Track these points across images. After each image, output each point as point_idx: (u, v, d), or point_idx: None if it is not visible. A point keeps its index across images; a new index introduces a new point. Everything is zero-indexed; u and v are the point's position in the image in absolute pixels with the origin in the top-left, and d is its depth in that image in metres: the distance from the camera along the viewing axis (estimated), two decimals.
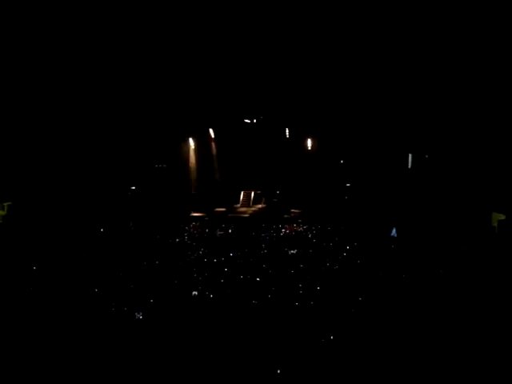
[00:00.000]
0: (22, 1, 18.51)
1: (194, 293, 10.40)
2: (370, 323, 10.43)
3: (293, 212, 21.29)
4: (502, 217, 16.13)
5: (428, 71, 19.91)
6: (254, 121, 22.49)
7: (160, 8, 19.21)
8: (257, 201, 23.06)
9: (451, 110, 19.85)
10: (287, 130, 22.26)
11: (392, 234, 10.01)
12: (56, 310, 10.76)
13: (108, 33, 19.44)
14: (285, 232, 18.31)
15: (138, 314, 10.50)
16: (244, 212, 22.00)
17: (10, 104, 19.48)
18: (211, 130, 22.56)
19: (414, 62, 19.92)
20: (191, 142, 22.65)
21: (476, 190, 18.13)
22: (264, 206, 22.57)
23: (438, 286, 12.43)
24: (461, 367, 8.49)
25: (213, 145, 22.76)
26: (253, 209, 22.44)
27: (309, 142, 22.17)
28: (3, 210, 18.68)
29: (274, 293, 12.47)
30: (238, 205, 22.91)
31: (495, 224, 16.16)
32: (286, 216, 20.95)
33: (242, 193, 23.07)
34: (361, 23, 19.56)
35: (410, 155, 20.90)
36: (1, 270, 13.40)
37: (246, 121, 22.36)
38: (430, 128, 20.50)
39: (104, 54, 19.89)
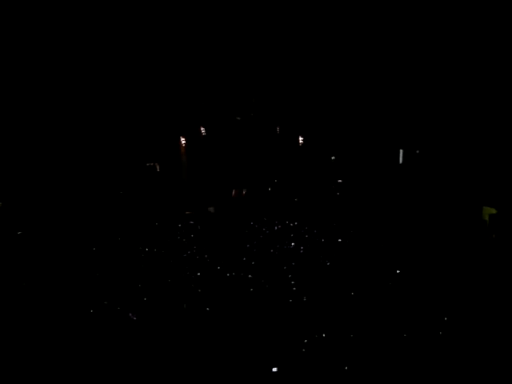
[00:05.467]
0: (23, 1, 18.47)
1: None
2: (364, 320, 10.45)
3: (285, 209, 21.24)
4: (494, 211, 16.19)
5: (418, 65, 19.97)
6: (245, 118, 22.48)
7: (154, 6, 19.17)
8: (248, 198, 23.02)
9: (441, 105, 19.90)
10: (278, 127, 22.25)
11: None
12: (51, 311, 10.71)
13: (102, 30, 19.38)
14: (277, 229, 18.28)
15: (132, 315, 10.47)
16: (236, 209, 21.95)
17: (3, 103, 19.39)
18: (202, 128, 22.50)
19: (403, 56, 19.97)
20: (182, 140, 22.59)
21: (467, 185, 18.20)
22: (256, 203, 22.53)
23: (432, 282, 12.47)
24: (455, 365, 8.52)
25: (204, 143, 22.72)
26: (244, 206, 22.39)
27: (300, 139, 22.16)
28: None
29: (266, 290, 12.48)
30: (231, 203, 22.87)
31: (486, 218, 16.23)
32: (277, 213, 20.90)
33: (233, 191, 23.02)
34: (353, 20, 19.60)
35: (401, 151, 20.97)
36: None
37: (238, 118, 22.34)
38: (420, 123, 20.56)
39: (97, 51, 19.82)
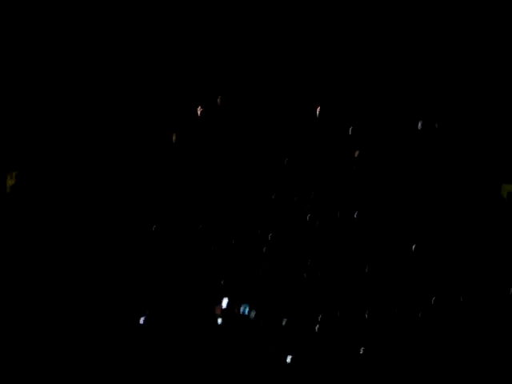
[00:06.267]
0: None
1: None
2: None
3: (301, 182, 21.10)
4: None
5: (439, 37, 19.55)
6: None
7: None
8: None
9: (461, 73, 19.48)
10: (291, 98, 21.93)
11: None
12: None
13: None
14: (293, 201, 18.22)
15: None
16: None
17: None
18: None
19: (424, 25, 19.54)
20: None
21: (485, 160, 17.94)
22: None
23: (447, 261, 12.43)
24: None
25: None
26: None
27: (315, 110, 21.86)
28: (12, 178, 18.60)
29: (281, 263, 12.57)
30: None
31: (505, 195, 16.08)
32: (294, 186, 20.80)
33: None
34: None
35: (419, 122, 20.63)
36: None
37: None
38: (439, 94, 20.18)
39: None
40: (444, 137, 20.11)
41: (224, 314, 10.26)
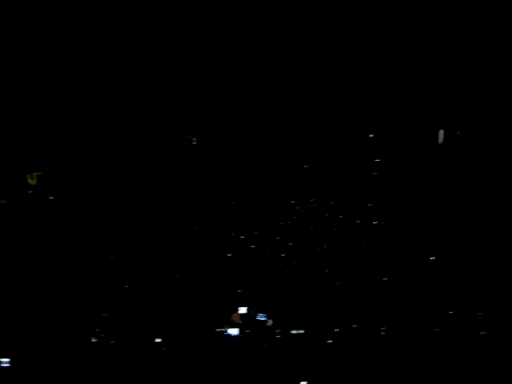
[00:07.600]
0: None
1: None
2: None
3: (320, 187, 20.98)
4: None
5: (462, 41, 19.32)
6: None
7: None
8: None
9: (486, 80, 19.22)
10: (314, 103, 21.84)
11: None
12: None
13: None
14: (311, 208, 18.15)
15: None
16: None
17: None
18: None
19: (448, 32, 19.35)
20: None
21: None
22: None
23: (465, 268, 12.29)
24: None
25: None
26: None
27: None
28: (33, 179, 18.74)
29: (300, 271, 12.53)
30: None
31: None
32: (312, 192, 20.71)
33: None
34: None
35: (441, 131, 20.40)
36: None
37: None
38: (462, 101, 19.93)
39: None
40: (469, 145, 19.85)
41: (242, 321, 10.25)
